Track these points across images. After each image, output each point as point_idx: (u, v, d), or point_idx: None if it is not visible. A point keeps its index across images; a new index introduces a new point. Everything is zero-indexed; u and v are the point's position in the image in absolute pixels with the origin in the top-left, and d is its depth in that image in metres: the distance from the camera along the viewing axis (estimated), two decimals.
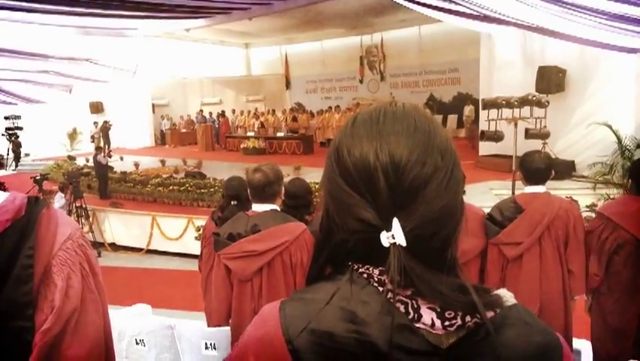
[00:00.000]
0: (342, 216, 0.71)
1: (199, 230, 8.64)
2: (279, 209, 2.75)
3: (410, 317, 0.67)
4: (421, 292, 0.67)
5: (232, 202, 3.43)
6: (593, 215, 3.69)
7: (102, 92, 19.84)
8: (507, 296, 0.72)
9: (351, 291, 0.70)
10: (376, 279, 0.70)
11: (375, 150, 0.69)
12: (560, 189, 7.43)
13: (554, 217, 2.87)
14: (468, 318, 0.67)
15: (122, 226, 10.31)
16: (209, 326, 3.25)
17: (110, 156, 15.72)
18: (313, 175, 10.10)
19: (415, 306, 0.68)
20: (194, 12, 13.49)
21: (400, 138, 0.70)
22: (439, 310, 0.67)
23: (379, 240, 0.67)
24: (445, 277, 0.68)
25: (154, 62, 18.86)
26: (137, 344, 3.12)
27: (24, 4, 9.01)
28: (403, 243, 0.66)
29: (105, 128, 19.25)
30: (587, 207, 6.87)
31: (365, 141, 0.71)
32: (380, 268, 0.69)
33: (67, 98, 17.72)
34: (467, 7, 8.48)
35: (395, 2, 10.32)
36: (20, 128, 19.12)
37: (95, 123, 19.92)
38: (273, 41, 23.24)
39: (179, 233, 9.35)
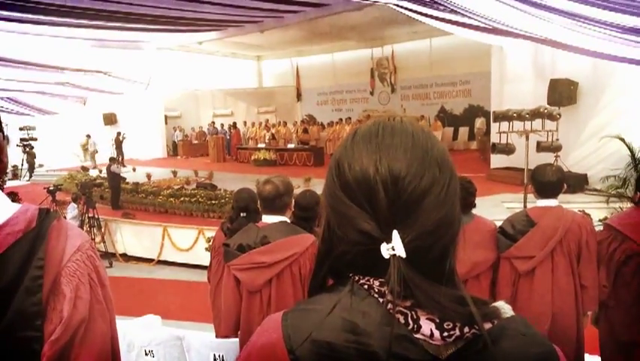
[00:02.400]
0: (343, 229, 0.73)
1: (209, 241, 8.66)
2: (288, 221, 2.76)
3: (410, 327, 0.69)
4: (420, 303, 0.69)
5: (241, 214, 3.44)
6: None
7: (116, 104, 20.08)
8: (505, 308, 0.74)
9: (351, 302, 0.72)
10: (377, 290, 0.71)
11: (374, 164, 0.72)
12: (572, 202, 7.37)
13: (567, 231, 2.84)
14: (466, 329, 0.69)
15: (133, 237, 10.38)
16: (217, 336, 3.24)
17: (124, 166, 15.91)
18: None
19: (415, 317, 0.69)
20: (207, 25, 13.64)
21: (398, 151, 0.72)
22: (437, 321, 0.69)
23: (379, 251, 0.69)
24: (444, 288, 0.70)
25: (167, 74, 19.07)
26: (146, 354, 3.12)
27: (38, 17, 9.17)
28: (403, 254, 0.68)
29: (118, 140, 19.46)
30: (600, 220, 6.79)
31: (365, 154, 0.73)
32: (380, 279, 0.71)
33: (82, 110, 17.96)
34: (478, 20, 8.49)
35: (406, 15, 10.37)
36: (35, 139, 19.37)
37: (88, 136, 20.02)
38: (284, 54, 23.42)
39: (190, 244, 9.39)
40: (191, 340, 3.13)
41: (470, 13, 7.94)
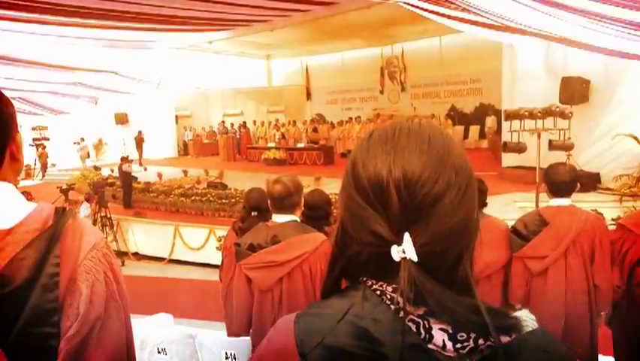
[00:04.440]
0: (357, 229, 0.73)
1: (220, 240, 8.70)
2: (299, 220, 2.76)
3: (422, 337, 0.67)
4: (432, 311, 0.67)
5: (252, 213, 3.45)
6: None
7: (127, 104, 20.23)
8: (528, 320, 0.71)
9: (363, 308, 0.71)
10: (389, 296, 0.70)
11: (388, 165, 0.70)
12: (584, 201, 7.30)
13: (580, 231, 2.82)
14: (481, 341, 0.66)
15: (145, 236, 10.45)
16: (229, 334, 3.26)
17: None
18: (333, 186, 10.09)
19: (427, 326, 0.68)
20: (217, 24, 13.68)
21: (413, 154, 0.71)
22: (450, 331, 0.67)
23: (390, 254, 0.68)
24: (457, 297, 0.67)
25: (177, 74, 19.17)
26: (159, 352, 3.14)
27: (49, 17, 9.25)
28: (414, 258, 0.66)
29: (139, 139, 19.74)
30: (612, 220, 6.71)
31: (379, 155, 0.72)
32: (393, 285, 0.70)
33: (93, 110, 18.10)
34: (489, 18, 8.44)
35: (416, 13, 10.33)
36: (47, 139, 19.55)
37: (82, 139, 20.15)
38: (294, 53, 23.43)
39: (201, 243, 9.44)
40: (203, 338, 3.15)
41: (481, 11, 7.89)
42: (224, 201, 10.65)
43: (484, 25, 9.35)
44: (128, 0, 8.87)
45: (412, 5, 9.23)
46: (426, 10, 9.47)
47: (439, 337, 0.67)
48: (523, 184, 10.03)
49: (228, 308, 3.34)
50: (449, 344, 0.67)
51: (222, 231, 8.80)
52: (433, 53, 19.68)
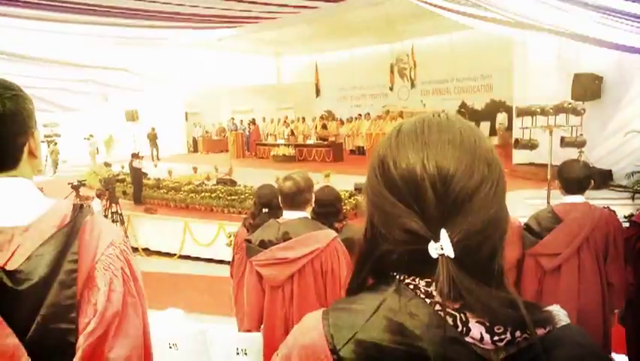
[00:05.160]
0: (388, 227, 0.71)
1: (230, 236, 8.73)
2: (309, 217, 2.76)
3: (459, 330, 0.67)
4: (469, 305, 0.67)
5: (263, 210, 3.46)
6: None
7: (137, 101, 20.34)
8: (560, 315, 0.71)
9: (399, 303, 0.70)
10: (423, 291, 0.70)
11: (421, 161, 0.70)
12: (596, 198, 7.23)
13: (594, 228, 2.79)
14: (517, 334, 0.66)
15: (155, 232, 10.50)
16: (239, 330, 3.28)
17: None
18: (343, 183, 10.09)
19: (464, 319, 0.67)
20: (226, 21, 13.70)
21: (446, 149, 0.70)
22: (487, 324, 0.67)
23: (425, 251, 0.67)
24: (494, 291, 0.68)
25: (187, 71, 19.22)
26: (170, 348, 3.17)
27: (61, 15, 9.31)
28: (452, 254, 0.66)
29: (152, 135, 20.13)
30: (625, 217, 6.65)
31: (411, 152, 0.71)
32: (426, 279, 0.70)
33: (104, 107, 18.22)
34: (500, 14, 8.37)
35: (426, 10, 10.27)
36: (58, 136, 19.71)
37: (91, 136, 20.24)
38: (303, 50, 23.39)
39: (211, 239, 9.46)
40: (214, 334, 3.16)
41: (493, 6, 7.83)
42: (233, 197, 10.67)
43: (495, 20, 9.28)
44: None
45: (423, 1, 9.17)
46: (437, 6, 9.41)
47: (477, 330, 0.67)
48: (535, 181, 9.96)
49: (239, 304, 3.36)
50: (487, 337, 0.67)
51: (232, 227, 8.83)
52: (443, 50, 19.56)
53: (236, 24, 14.38)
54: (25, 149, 1.02)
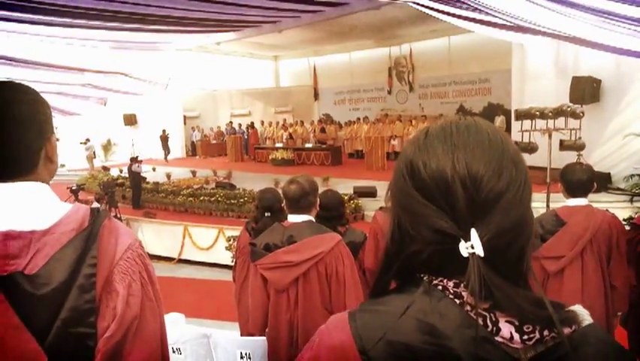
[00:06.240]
0: (417, 228, 0.73)
1: (230, 240, 8.72)
2: (314, 220, 2.77)
3: (489, 329, 0.68)
4: (499, 305, 0.68)
5: (265, 214, 3.46)
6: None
7: (136, 105, 20.34)
8: (583, 314, 0.73)
9: (430, 304, 0.71)
10: (452, 291, 0.71)
11: (452, 162, 0.71)
12: (595, 201, 7.20)
13: (597, 231, 2.80)
14: (546, 332, 0.68)
15: (154, 236, 10.48)
16: (242, 334, 3.27)
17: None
18: (342, 186, 10.11)
19: (494, 319, 0.69)
20: (225, 26, 13.72)
21: (475, 151, 0.72)
22: (517, 323, 0.68)
23: (454, 251, 0.68)
24: (522, 290, 0.69)
25: (185, 75, 19.26)
26: (173, 352, 3.16)
27: (60, 19, 9.31)
28: (482, 253, 0.67)
29: (164, 137, 20.71)
30: (624, 220, 6.66)
31: (441, 153, 0.73)
32: (454, 280, 0.71)
33: (102, 111, 18.21)
34: (499, 17, 8.40)
35: (424, 13, 10.30)
36: (57, 140, 19.65)
37: (88, 140, 20.23)
38: (301, 53, 23.45)
39: (210, 243, 9.45)
40: (218, 338, 3.15)
41: (492, 10, 7.86)
42: (232, 201, 10.67)
43: (494, 24, 9.31)
44: (136, 2, 8.90)
45: (422, 5, 9.20)
46: (435, 9, 9.44)
47: (506, 329, 0.68)
48: (534, 184, 9.75)
49: (242, 308, 3.36)
50: (516, 336, 0.68)
51: (231, 231, 8.82)
52: (441, 53, 19.63)
53: (236, 29, 14.40)
54: (42, 154, 1.03)
